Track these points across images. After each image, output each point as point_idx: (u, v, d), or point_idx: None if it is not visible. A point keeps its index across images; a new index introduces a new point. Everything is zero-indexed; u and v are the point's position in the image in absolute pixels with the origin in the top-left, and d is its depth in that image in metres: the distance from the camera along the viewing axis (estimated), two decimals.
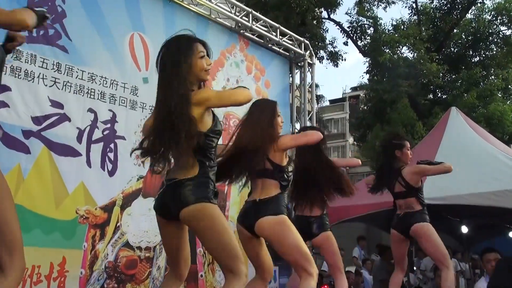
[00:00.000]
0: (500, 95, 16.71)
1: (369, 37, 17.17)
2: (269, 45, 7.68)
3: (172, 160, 2.56)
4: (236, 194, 6.38)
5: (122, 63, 5.37)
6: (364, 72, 18.75)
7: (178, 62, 2.51)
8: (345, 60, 17.08)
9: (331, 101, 34.14)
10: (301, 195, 4.34)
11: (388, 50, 15.44)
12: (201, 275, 5.91)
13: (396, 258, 4.89)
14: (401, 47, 16.05)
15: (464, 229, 9.43)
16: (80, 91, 4.89)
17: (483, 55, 17.41)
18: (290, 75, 8.37)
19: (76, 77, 4.86)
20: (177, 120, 2.37)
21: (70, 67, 4.80)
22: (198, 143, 2.47)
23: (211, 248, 2.58)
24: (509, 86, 16.98)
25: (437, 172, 4.73)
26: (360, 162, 4.85)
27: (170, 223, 2.62)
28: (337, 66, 17.30)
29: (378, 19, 16.94)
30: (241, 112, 7.16)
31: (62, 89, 4.72)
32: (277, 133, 3.39)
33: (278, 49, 7.83)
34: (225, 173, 3.20)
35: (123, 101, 5.31)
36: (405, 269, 4.85)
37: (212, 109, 2.63)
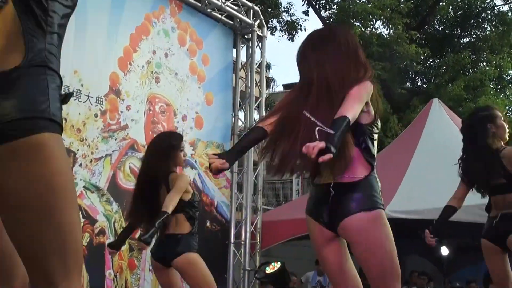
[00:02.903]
0: (492, 86, 17.16)
1: (335, 6, 17.33)
2: (208, 10, 7.65)
3: None
4: None
5: None
6: None
7: None
8: (305, 30, 17.10)
9: (285, 86, 34.24)
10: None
11: (358, 23, 15.64)
12: None
13: (494, 278, 4.35)
14: (374, 21, 16.27)
15: (444, 251, 9.70)
16: None
17: (474, 36, 17.82)
18: (235, 50, 8.37)
19: None
20: None
21: None
22: None
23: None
24: (503, 76, 17.45)
25: None
26: None
27: None
28: (292, 40, 17.35)
29: None
30: (170, 93, 7.11)
31: None
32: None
33: (219, 16, 7.81)
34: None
35: None
36: None
37: None
